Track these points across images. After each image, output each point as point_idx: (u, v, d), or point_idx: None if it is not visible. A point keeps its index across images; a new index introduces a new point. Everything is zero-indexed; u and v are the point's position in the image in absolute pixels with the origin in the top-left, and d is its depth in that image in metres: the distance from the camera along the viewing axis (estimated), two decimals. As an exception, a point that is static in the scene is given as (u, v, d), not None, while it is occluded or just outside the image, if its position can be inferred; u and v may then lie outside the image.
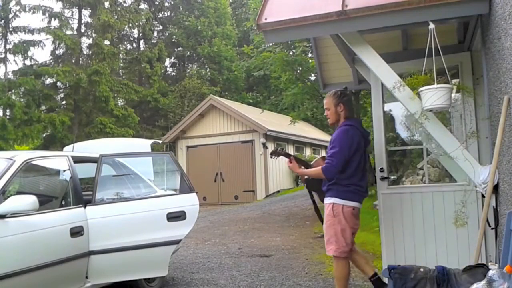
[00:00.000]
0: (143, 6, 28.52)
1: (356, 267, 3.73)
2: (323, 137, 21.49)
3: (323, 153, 21.20)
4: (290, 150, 17.83)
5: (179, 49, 30.13)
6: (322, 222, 3.73)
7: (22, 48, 21.66)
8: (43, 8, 22.41)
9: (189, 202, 4.33)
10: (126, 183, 4.71)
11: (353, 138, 3.46)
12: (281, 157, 3.99)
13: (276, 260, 5.95)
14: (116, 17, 23.88)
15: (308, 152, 19.46)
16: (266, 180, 15.89)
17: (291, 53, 11.73)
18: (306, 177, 3.80)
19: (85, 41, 23.97)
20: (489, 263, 2.30)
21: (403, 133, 4.52)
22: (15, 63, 22.41)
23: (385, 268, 2.79)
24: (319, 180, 3.65)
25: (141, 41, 28.75)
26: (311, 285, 4.65)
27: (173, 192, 4.63)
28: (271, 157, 3.98)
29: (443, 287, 2.52)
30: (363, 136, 3.59)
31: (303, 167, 3.80)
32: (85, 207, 3.93)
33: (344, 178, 3.46)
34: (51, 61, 23.42)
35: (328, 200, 3.56)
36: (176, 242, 4.27)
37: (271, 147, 15.78)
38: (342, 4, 3.15)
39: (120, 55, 25.72)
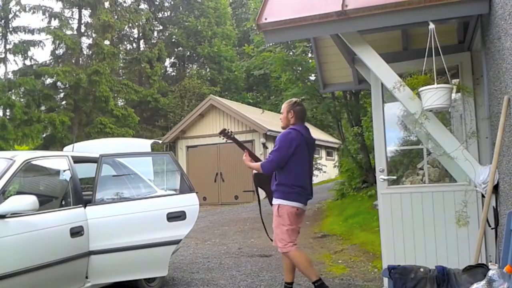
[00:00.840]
0: (143, 6, 28.54)
1: (284, 267, 4.04)
2: (323, 137, 21.50)
3: (323, 153, 21.22)
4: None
5: (179, 49, 30.13)
6: (263, 223, 4.18)
7: (22, 48, 21.66)
8: (43, 8, 22.42)
9: (189, 202, 4.33)
10: (126, 183, 4.70)
11: (292, 140, 3.76)
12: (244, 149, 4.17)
13: (276, 260, 5.95)
14: (116, 17, 23.87)
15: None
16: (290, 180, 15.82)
17: (291, 53, 11.72)
18: (255, 172, 4.10)
19: (85, 41, 24.01)
20: (489, 263, 2.30)
21: (403, 133, 4.52)
22: (15, 63, 22.45)
23: (385, 268, 2.79)
24: (268, 178, 3.97)
25: (141, 41, 28.75)
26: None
27: (173, 192, 4.63)
28: (219, 136, 4.18)
29: (443, 287, 2.52)
30: (306, 141, 3.87)
31: (253, 161, 4.08)
32: (85, 207, 3.93)
33: (288, 179, 3.76)
34: (51, 61, 23.41)
35: (275, 202, 3.86)
36: (176, 242, 4.27)
37: (271, 147, 15.78)
38: (342, 4, 3.15)
39: (120, 55, 25.72)
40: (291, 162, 3.74)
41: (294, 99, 4.11)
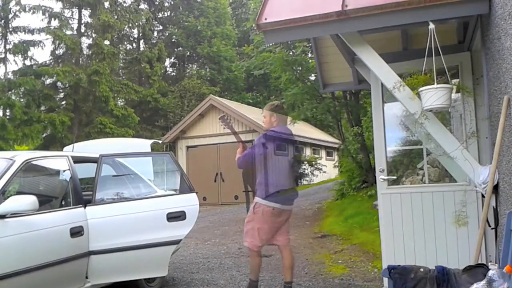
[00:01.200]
0: (143, 6, 28.55)
1: (283, 267, 4.12)
2: (323, 137, 21.49)
3: (323, 153, 21.22)
4: (290, 150, 17.77)
5: (179, 49, 30.14)
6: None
7: (22, 48, 21.68)
8: (43, 8, 22.43)
9: (189, 202, 4.33)
10: (126, 183, 4.70)
11: (268, 140, 3.93)
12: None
13: (276, 260, 5.94)
14: (116, 17, 23.89)
15: (308, 152, 19.45)
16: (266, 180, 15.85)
17: (291, 53, 11.72)
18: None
19: (85, 41, 24.03)
20: (489, 263, 2.30)
21: (403, 133, 4.52)
22: (15, 63, 22.47)
23: (385, 268, 2.79)
24: (254, 176, 4.11)
25: (141, 41, 28.77)
26: (311, 285, 4.65)
27: (173, 192, 4.63)
28: (218, 119, 4.34)
29: (443, 287, 2.52)
30: (287, 142, 4.03)
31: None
32: (85, 207, 3.93)
33: (266, 179, 3.90)
34: (51, 61, 23.43)
35: (255, 199, 4.02)
36: (176, 242, 4.27)
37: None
38: (342, 4, 3.15)
39: (120, 55, 25.74)
40: (269, 163, 3.87)
41: (276, 102, 4.27)
